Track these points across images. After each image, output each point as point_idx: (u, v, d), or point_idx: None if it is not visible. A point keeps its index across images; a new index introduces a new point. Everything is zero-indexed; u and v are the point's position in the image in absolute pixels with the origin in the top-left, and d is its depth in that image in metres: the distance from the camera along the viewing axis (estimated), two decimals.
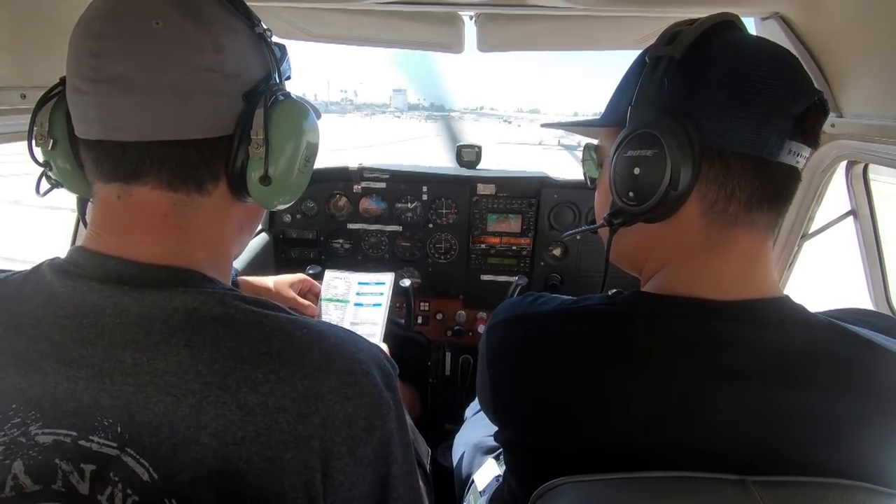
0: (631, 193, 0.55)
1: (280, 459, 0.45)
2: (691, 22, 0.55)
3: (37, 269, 0.50)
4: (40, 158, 0.58)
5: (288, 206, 0.59)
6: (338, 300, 1.26)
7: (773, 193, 0.54)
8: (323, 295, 1.27)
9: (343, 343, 0.51)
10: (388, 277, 1.28)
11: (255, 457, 0.44)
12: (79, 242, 0.52)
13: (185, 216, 0.51)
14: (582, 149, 0.76)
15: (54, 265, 0.50)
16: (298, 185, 0.58)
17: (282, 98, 0.55)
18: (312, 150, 0.58)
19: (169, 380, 0.44)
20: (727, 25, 0.56)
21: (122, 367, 0.44)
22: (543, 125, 0.95)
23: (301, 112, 0.56)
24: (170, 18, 0.47)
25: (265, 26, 0.56)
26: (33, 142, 0.56)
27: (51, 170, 0.58)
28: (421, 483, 0.60)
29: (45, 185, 0.60)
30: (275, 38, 0.58)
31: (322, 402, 0.46)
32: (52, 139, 0.55)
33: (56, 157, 0.56)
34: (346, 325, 1.23)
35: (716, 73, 0.52)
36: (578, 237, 1.74)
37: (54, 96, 0.55)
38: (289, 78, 0.62)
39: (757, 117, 0.51)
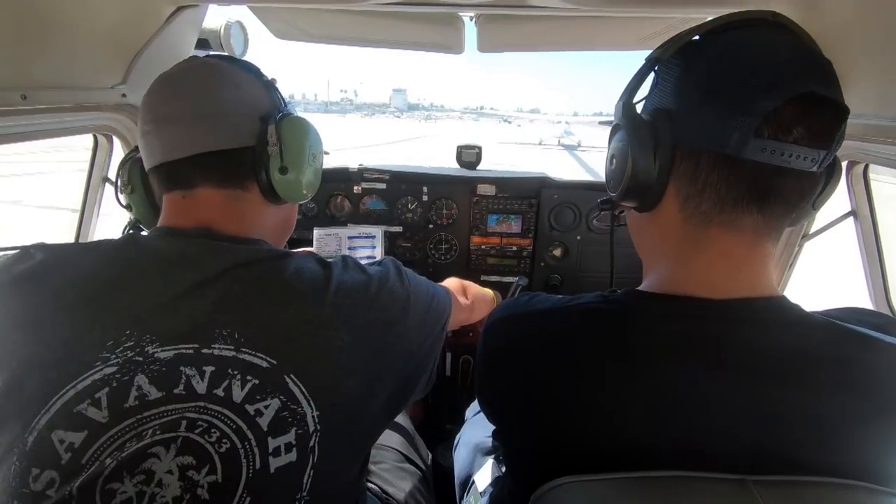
0: (611, 182, 0.62)
1: (373, 337, 0.63)
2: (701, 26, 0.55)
3: (129, 237, 0.63)
4: (123, 202, 0.83)
5: (307, 199, 0.76)
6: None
7: (746, 192, 0.51)
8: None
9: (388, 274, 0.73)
10: (377, 230, 1.36)
11: (353, 339, 0.60)
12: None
13: (237, 206, 0.68)
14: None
15: (143, 234, 0.63)
16: (311, 177, 0.75)
17: (289, 114, 0.73)
18: (316, 148, 0.77)
19: (273, 293, 0.58)
20: (741, 24, 0.53)
21: (232, 294, 0.57)
22: (601, 122, 1.01)
23: (303, 121, 0.75)
24: (204, 76, 0.68)
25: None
26: (119, 190, 0.81)
27: (130, 210, 0.81)
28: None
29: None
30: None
31: (390, 313, 0.67)
32: (131, 185, 0.80)
33: (134, 199, 0.80)
34: None
35: (696, 73, 0.52)
36: (578, 237, 1.74)
37: (130, 157, 0.81)
38: (286, 106, 0.82)
39: (720, 113, 0.50)
